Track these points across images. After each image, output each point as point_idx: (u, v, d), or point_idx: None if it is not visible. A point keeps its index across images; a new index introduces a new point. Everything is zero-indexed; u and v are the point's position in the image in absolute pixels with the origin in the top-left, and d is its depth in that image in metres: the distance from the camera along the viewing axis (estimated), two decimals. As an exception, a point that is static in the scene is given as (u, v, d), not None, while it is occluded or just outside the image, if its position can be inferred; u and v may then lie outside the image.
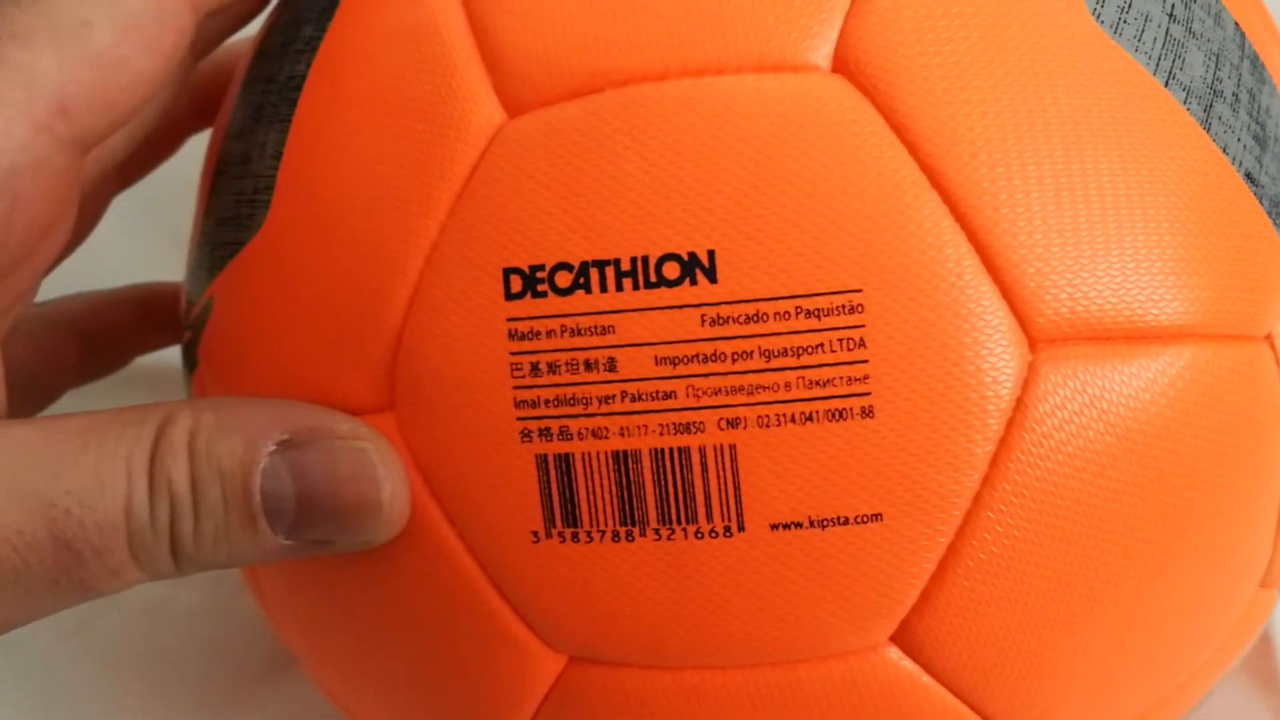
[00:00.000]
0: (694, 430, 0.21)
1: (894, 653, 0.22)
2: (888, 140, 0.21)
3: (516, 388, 0.22)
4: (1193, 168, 0.23)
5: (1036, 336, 0.21)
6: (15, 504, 0.22)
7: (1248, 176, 0.23)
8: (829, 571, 0.21)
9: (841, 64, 0.21)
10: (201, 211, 0.28)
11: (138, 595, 0.39)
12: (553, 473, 0.22)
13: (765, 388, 0.21)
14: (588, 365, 0.21)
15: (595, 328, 0.21)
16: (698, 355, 0.21)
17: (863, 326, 0.21)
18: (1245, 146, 0.24)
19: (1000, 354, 0.21)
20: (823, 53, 0.21)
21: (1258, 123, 0.24)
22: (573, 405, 0.21)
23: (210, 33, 0.28)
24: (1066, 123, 0.22)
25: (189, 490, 0.22)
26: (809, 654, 0.22)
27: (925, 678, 0.23)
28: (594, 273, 0.21)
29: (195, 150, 0.31)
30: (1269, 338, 0.24)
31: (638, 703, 0.23)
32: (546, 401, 0.22)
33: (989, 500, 0.21)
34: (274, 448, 0.22)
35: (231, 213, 0.26)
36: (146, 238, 0.40)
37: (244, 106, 0.27)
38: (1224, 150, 0.23)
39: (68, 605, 0.23)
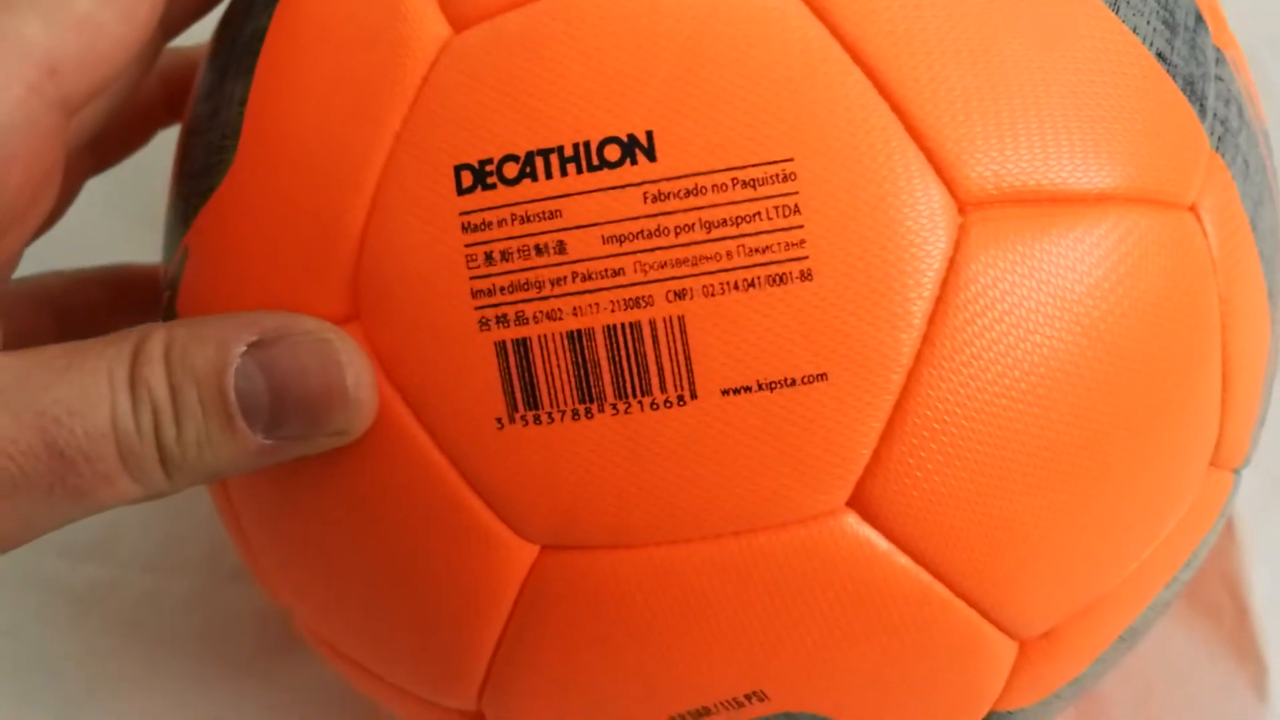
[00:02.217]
0: (643, 305, 0.22)
1: (851, 519, 0.23)
2: (811, 22, 0.22)
3: (473, 278, 0.23)
4: (1103, 45, 0.24)
5: (964, 200, 0.22)
6: (8, 416, 0.23)
7: (1159, 55, 0.25)
8: (780, 434, 0.22)
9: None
10: (175, 174, 0.29)
11: (132, 585, 0.40)
12: (512, 358, 0.23)
13: (708, 258, 0.22)
14: (538, 250, 0.22)
15: (543, 213, 0.22)
16: (642, 231, 0.22)
17: (796, 194, 0.22)
18: (1155, 29, 0.25)
19: (929, 216, 0.22)
20: None
21: (1166, 9, 0.25)
22: (526, 290, 0.22)
23: (179, 13, 0.30)
24: (980, 6, 0.23)
25: (168, 396, 0.24)
26: (767, 521, 0.23)
27: (884, 544, 0.23)
28: (539, 161, 0.22)
29: (170, 139, 0.33)
30: (1194, 209, 0.25)
31: (608, 585, 0.24)
32: (501, 289, 0.23)
33: (930, 358, 0.22)
34: (244, 349, 0.24)
35: (202, 164, 0.27)
36: (123, 221, 0.41)
37: (211, 70, 0.28)
38: (1134, 31, 0.24)
39: (69, 516, 0.24)
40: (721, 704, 0.25)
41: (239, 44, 0.27)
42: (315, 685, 0.38)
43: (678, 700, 0.25)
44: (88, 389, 0.23)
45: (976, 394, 0.23)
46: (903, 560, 0.23)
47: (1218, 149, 0.25)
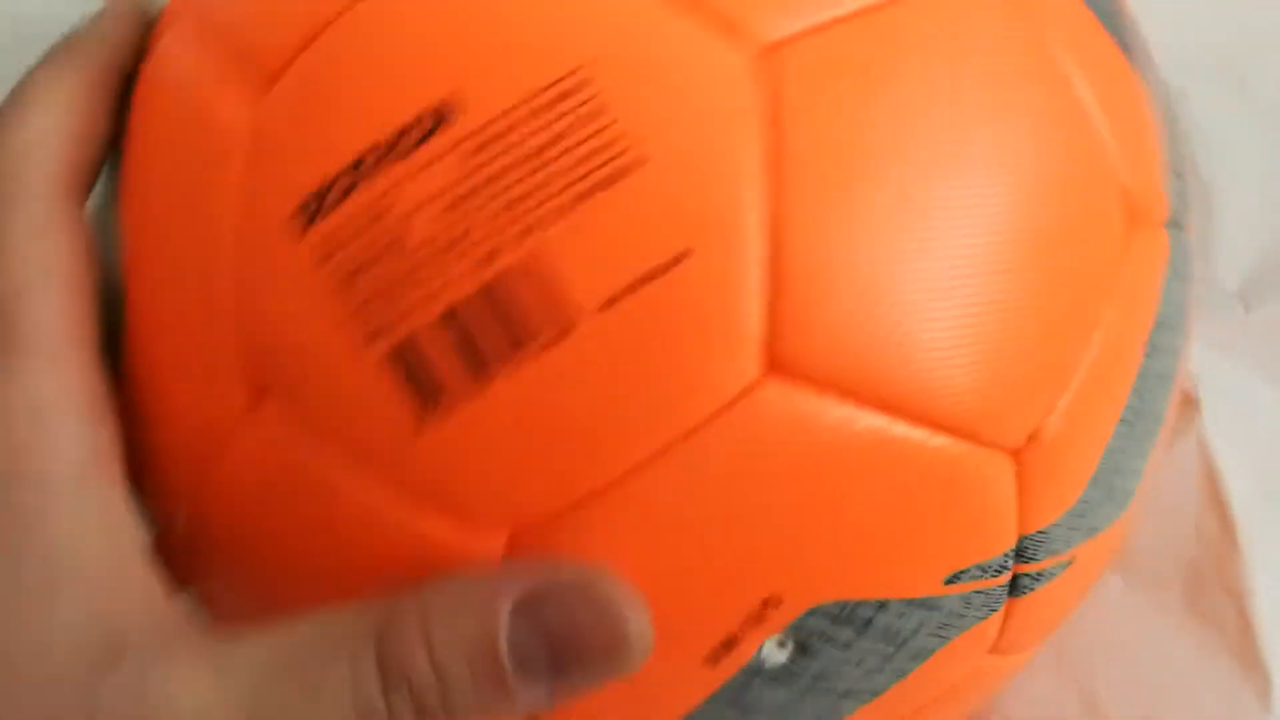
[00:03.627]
0: (497, 256, 0.22)
1: (774, 384, 0.23)
2: None
3: (342, 304, 0.23)
4: None
5: (761, 46, 0.23)
6: None
7: None
8: (671, 324, 0.22)
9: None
10: None
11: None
12: (401, 360, 0.23)
13: (540, 186, 0.22)
14: (386, 249, 0.23)
15: (376, 213, 0.23)
16: (472, 188, 0.22)
17: (597, 94, 0.22)
18: None
19: (731, 71, 0.23)
20: None
21: None
22: (390, 292, 0.23)
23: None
24: None
25: (432, 678, 0.22)
26: (697, 415, 0.23)
27: (815, 398, 0.23)
28: (359, 169, 0.23)
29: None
30: None
31: (589, 543, 0.23)
32: (368, 302, 0.23)
33: (787, 208, 0.22)
34: (510, 611, 0.23)
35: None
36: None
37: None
38: None
39: None
40: (743, 625, 0.24)
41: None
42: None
43: (699, 638, 0.24)
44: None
45: (850, 219, 0.23)
46: (844, 408, 0.23)
47: None
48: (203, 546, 0.26)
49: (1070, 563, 0.28)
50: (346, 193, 0.23)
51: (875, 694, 0.27)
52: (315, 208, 0.23)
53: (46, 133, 0.26)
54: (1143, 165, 0.27)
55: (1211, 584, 0.39)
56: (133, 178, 0.27)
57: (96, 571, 0.24)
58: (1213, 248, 0.42)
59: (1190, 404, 0.41)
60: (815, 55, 0.23)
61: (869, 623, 0.25)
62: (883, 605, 0.25)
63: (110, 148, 0.28)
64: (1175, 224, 0.28)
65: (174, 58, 0.27)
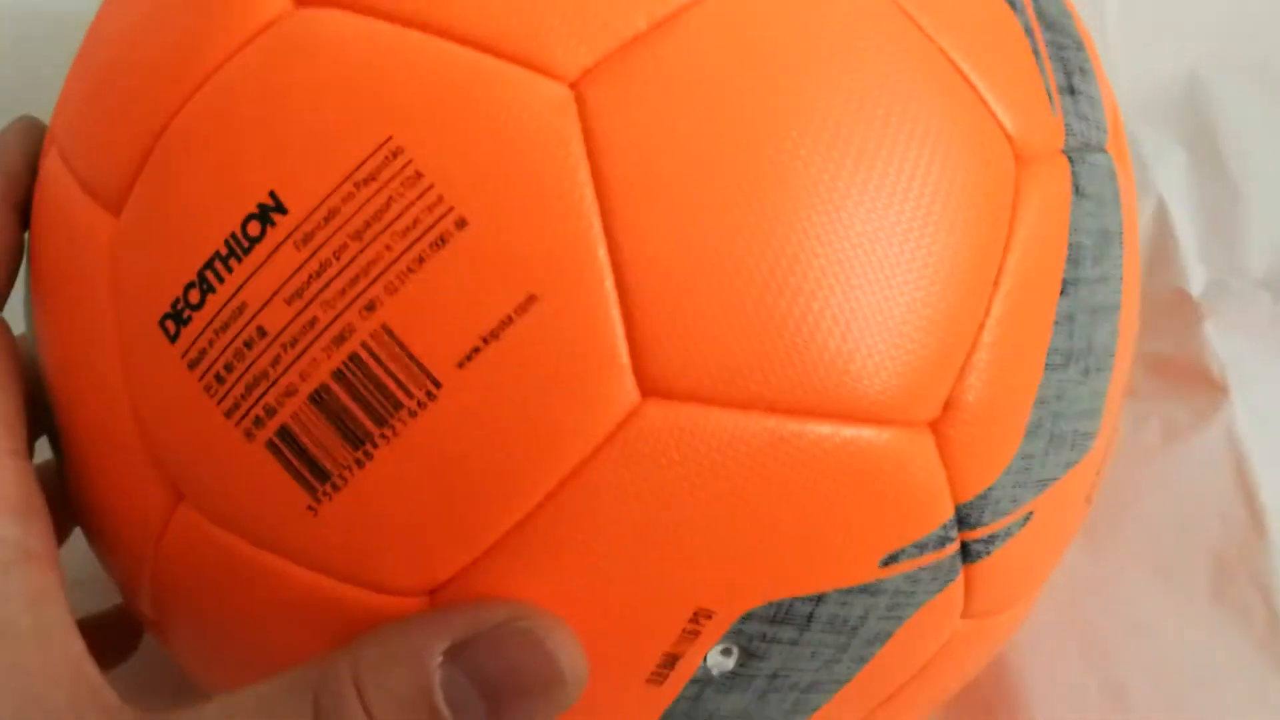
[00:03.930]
0: (348, 335, 0.23)
1: (655, 406, 0.23)
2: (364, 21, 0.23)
3: (219, 403, 0.24)
4: None
5: (562, 75, 0.22)
6: None
7: None
8: (538, 366, 0.22)
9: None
10: None
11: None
12: (283, 448, 0.23)
13: (373, 261, 0.22)
14: (247, 345, 0.23)
15: (233, 312, 0.23)
16: (310, 275, 0.23)
17: (410, 161, 0.22)
18: None
19: (540, 102, 0.22)
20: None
21: None
22: (258, 384, 0.23)
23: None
24: None
25: None
26: (584, 448, 0.23)
27: (698, 411, 0.23)
28: (208, 274, 0.23)
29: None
30: None
31: (505, 594, 0.23)
32: (241, 396, 0.23)
33: (626, 240, 0.22)
34: (441, 659, 0.23)
35: None
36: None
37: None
38: None
39: None
40: (678, 641, 0.24)
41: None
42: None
43: (637, 661, 0.24)
44: None
45: (695, 232, 0.22)
46: (729, 416, 0.23)
47: None
48: (166, 615, 0.28)
49: (1029, 517, 0.27)
50: (202, 299, 0.23)
51: (841, 683, 0.26)
52: (177, 315, 0.24)
53: None
54: (1021, 100, 0.26)
55: (1238, 573, 0.38)
56: (35, 288, 0.28)
57: (23, 653, 0.25)
58: (1239, 238, 0.41)
59: (1218, 391, 0.40)
60: (623, 78, 0.22)
61: (810, 617, 0.25)
62: (820, 599, 0.25)
63: (19, 257, 0.29)
64: (1077, 145, 0.27)
65: (51, 180, 0.27)
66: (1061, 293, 0.26)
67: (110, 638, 0.33)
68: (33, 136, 0.30)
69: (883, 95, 0.24)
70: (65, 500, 0.29)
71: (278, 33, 0.23)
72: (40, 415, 0.29)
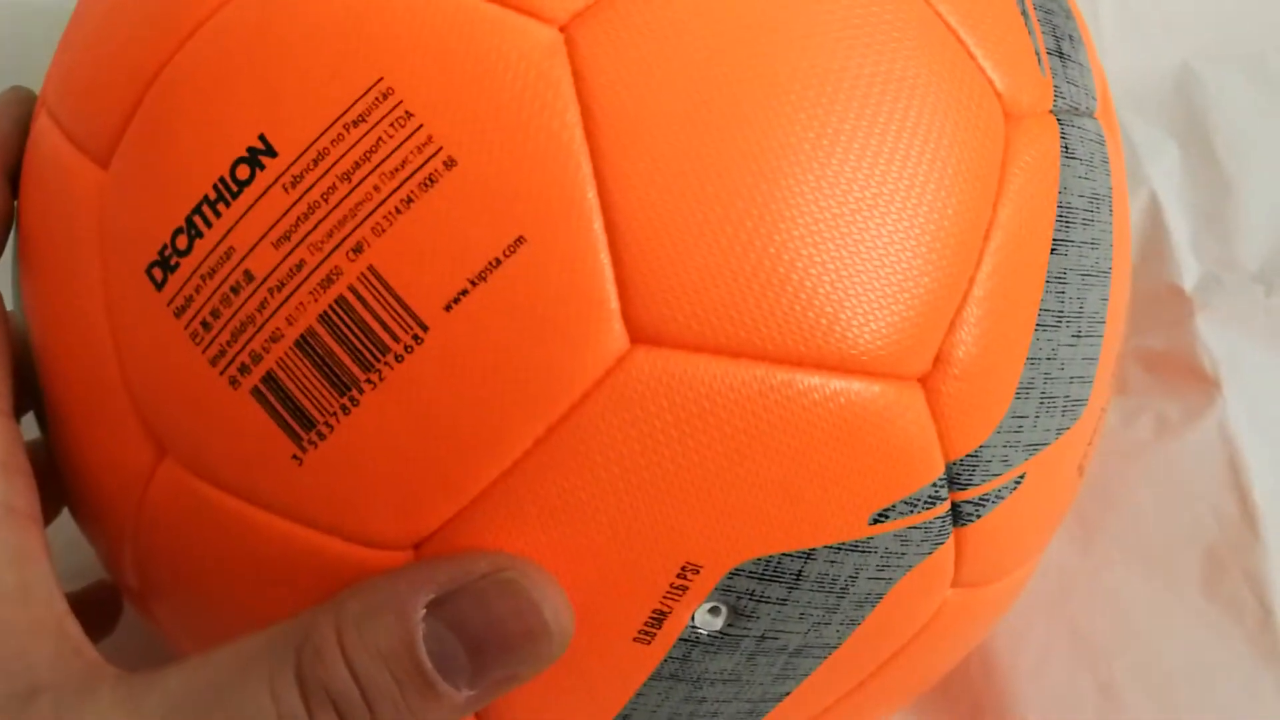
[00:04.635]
0: (335, 278, 0.22)
1: (643, 352, 0.22)
2: None
3: (204, 350, 0.23)
4: None
5: (551, 18, 0.23)
6: None
7: None
8: (526, 310, 0.22)
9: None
10: None
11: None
12: (269, 395, 0.23)
13: (362, 202, 0.22)
14: (234, 290, 0.23)
15: (220, 257, 0.23)
16: (298, 217, 0.23)
17: (400, 102, 0.22)
18: None
19: (527, 42, 0.22)
20: None
21: None
22: (244, 330, 0.23)
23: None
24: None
25: (355, 689, 0.22)
26: (571, 395, 0.22)
27: (687, 359, 0.22)
28: (196, 219, 0.23)
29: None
30: None
31: (500, 538, 0.23)
32: (227, 343, 0.23)
33: (618, 183, 0.22)
34: (425, 611, 0.22)
35: None
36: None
37: None
38: None
39: None
40: (665, 597, 0.24)
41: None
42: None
43: (624, 617, 0.24)
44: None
45: (686, 176, 0.22)
46: (718, 364, 0.23)
47: None
48: (150, 582, 0.27)
49: (1021, 480, 0.27)
50: (189, 244, 0.23)
51: (830, 648, 0.26)
52: (165, 263, 0.24)
53: None
54: (1010, 58, 0.26)
55: (1230, 569, 0.38)
56: (23, 250, 0.28)
57: (6, 608, 0.24)
58: (1232, 231, 0.41)
59: (1211, 386, 0.40)
60: (613, 22, 0.22)
61: (799, 575, 0.24)
62: (808, 555, 0.24)
63: (9, 224, 0.29)
64: (1066, 107, 0.27)
65: (40, 138, 0.27)
66: (1053, 251, 0.26)
67: (87, 615, 0.33)
68: (23, 104, 0.29)
69: (872, 45, 0.24)
70: (52, 479, 0.29)
71: None
72: (28, 392, 0.28)
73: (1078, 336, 0.27)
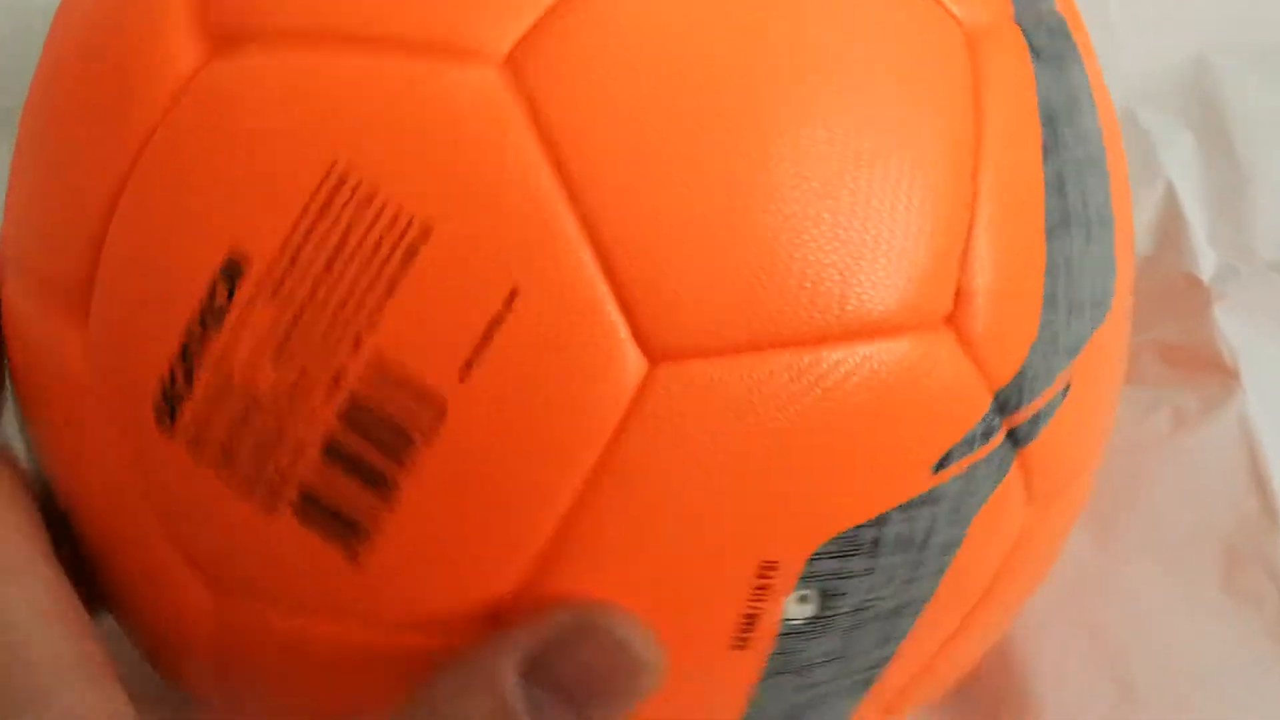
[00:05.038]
0: (342, 378, 0.22)
1: (667, 369, 0.22)
2: None
3: (232, 481, 0.23)
4: None
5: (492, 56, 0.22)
6: None
7: None
8: (540, 359, 0.22)
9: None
10: None
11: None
12: (309, 510, 0.23)
13: (349, 294, 0.22)
14: (244, 415, 0.22)
15: (221, 385, 0.23)
16: (289, 325, 0.22)
17: (360, 182, 0.22)
18: None
19: (479, 92, 0.22)
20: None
21: None
22: (265, 452, 0.22)
23: None
24: None
25: None
26: (606, 429, 0.22)
27: (711, 364, 0.22)
28: (188, 353, 0.23)
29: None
30: None
31: (566, 595, 0.23)
32: (252, 469, 0.23)
33: (594, 208, 0.21)
34: (516, 679, 0.22)
35: None
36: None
37: None
38: None
39: None
40: (752, 600, 0.24)
41: None
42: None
43: (716, 629, 0.24)
44: None
45: (658, 185, 0.22)
46: (742, 361, 0.22)
47: None
48: (232, 701, 0.27)
49: (1068, 388, 0.26)
50: (188, 379, 0.23)
51: (923, 601, 0.25)
52: (169, 404, 0.23)
53: None
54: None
55: (1250, 563, 0.37)
56: (24, 405, 0.27)
57: None
58: (1249, 221, 0.40)
59: (1229, 377, 0.39)
60: (560, 40, 0.22)
61: (877, 542, 0.24)
62: (882, 520, 0.24)
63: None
64: (1025, 9, 0.26)
65: (11, 305, 0.27)
66: (1045, 158, 0.25)
67: None
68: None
69: (827, 7, 0.23)
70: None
71: (196, 90, 0.23)
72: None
73: (1089, 231, 0.26)
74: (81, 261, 0.24)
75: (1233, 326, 0.39)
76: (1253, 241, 0.40)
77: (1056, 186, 0.25)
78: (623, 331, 0.22)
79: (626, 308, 0.22)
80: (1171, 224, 0.41)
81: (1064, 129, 0.26)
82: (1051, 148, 0.25)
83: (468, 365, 0.22)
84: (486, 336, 0.22)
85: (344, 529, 0.23)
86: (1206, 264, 0.40)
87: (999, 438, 0.25)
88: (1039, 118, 0.25)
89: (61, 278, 0.25)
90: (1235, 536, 0.37)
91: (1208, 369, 0.39)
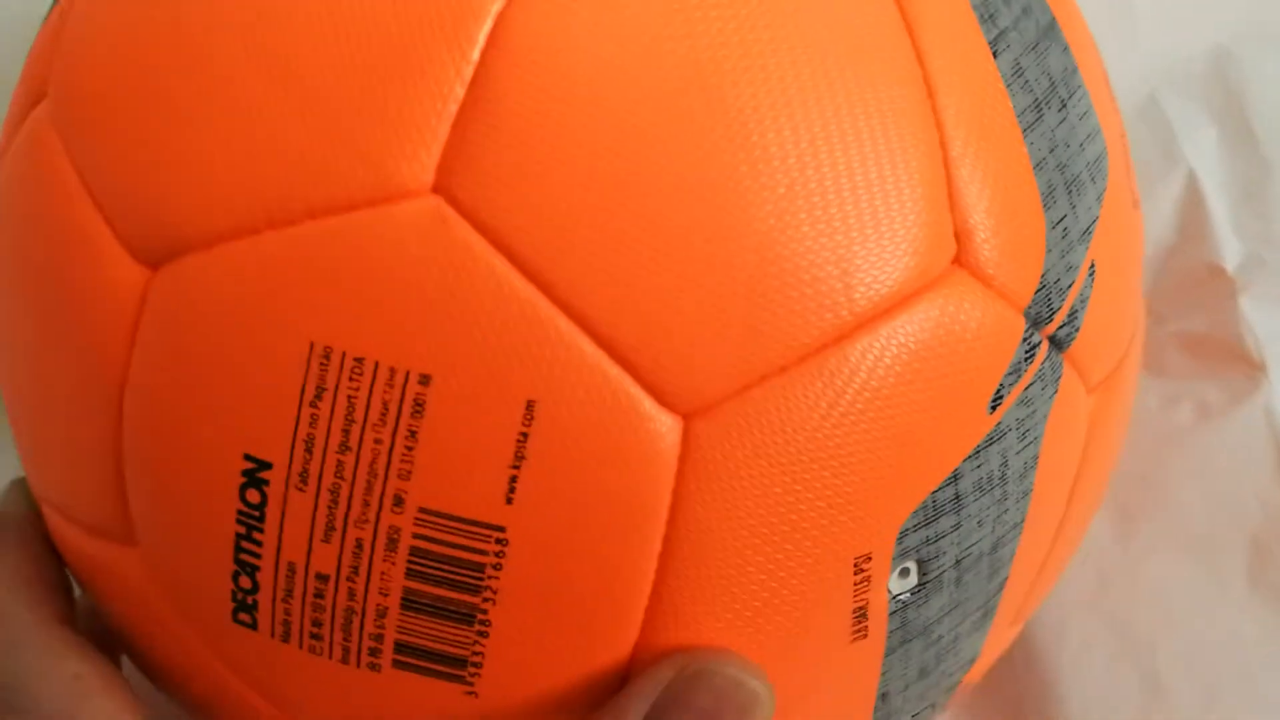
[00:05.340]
0: (397, 535, 0.22)
1: (698, 423, 0.22)
2: None
3: (330, 656, 0.23)
4: None
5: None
6: None
7: None
8: (574, 459, 0.21)
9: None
10: None
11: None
12: (411, 659, 0.23)
13: (375, 461, 0.22)
14: (319, 595, 0.23)
15: (286, 577, 0.23)
16: (329, 506, 0.22)
17: (344, 353, 0.21)
18: None
19: (408, 222, 0.21)
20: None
21: None
22: (350, 620, 0.23)
23: None
24: None
25: None
26: (662, 495, 0.22)
27: (731, 403, 0.22)
28: (244, 558, 0.23)
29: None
30: None
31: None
32: (345, 640, 0.23)
33: (567, 297, 0.21)
34: None
35: None
36: None
37: None
38: None
39: None
40: (858, 594, 0.24)
41: None
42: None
43: (832, 631, 0.24)
44: None
45: (623, 250, 0.21)
46: (778, 384, 0.22)
47: None
48: None
49: (1093, 270, 0.25)
50: (253, 582, 0.23)
51: (1019, 525, 0.25)
52: (245, 607, 0.23)
53: None
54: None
55: (1277, 557, 0.35)
56: (122, 638, 0.28)
57: None
58: (1274, 210, 0.38)
59: (1255, 368, 0.37)
60: (475, 160, 0.21)
61: (958, 496, 0.24)
62: (955, 476, 0.24)
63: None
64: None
65: (62, 538, 0.27)
66: (994, 55, 0.24)
67: None
68: (25, 496, 0.29)
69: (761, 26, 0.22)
70: None
71: (152, 313, 0.22)
72: None
73: (1063, 105, 0.25)
74: (112, 506, 0.24)
75: (1258, 317, 0.38)
76: (1278, 231, 0.38)
77: (1016, 77, 0.24)
78: (647, 404, 0.21)
79: (643, 379, 0.21)
80: (1194, 213, 0.39)
81: (1003, 17, 0.25)
82: (998, 42, 0.24)
83: (511, 486, 0.21)
84: (519, 455, 0.21)
85: (450, 665, 0.23)
86: (1231, 253, 0.38)
87: (1042, 352, 0.24)
88: (976, 21, 0.24)
89: (98, 522, 0.25)
90: (1262, 530, 0.36)
91: (1233, 360, 0.38)
